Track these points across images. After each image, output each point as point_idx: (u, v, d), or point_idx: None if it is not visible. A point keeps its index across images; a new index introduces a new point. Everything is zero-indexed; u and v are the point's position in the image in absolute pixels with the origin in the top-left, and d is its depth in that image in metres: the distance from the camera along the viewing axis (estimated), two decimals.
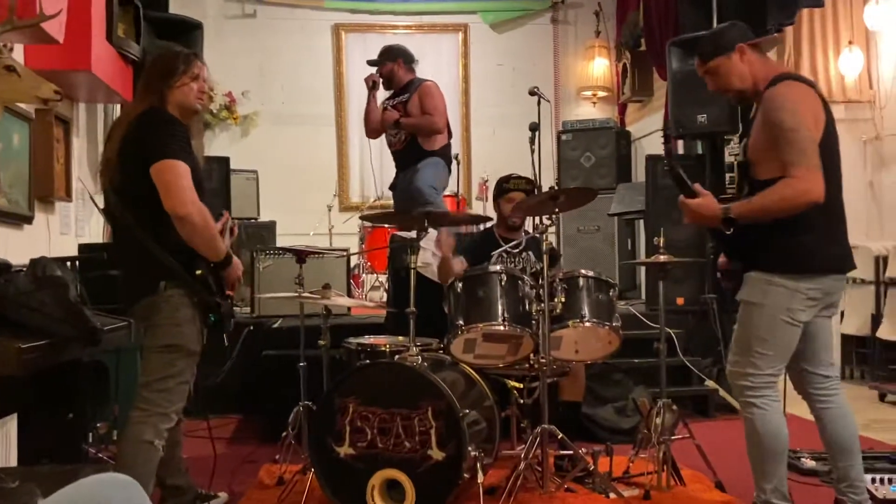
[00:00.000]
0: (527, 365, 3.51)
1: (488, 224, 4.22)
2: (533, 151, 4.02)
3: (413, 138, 5.02)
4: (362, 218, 6.79)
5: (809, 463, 3.68)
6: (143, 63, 4.70)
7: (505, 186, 4.13)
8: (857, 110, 6.91)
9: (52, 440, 3.24)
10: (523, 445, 3.41)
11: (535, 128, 4.09)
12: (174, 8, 6.01)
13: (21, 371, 2.54)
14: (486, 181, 7.81)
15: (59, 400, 3.32)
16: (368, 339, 3.83)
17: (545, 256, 3.38)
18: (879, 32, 6.71)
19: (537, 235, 3.87)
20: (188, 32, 5.30)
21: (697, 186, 2.87)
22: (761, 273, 2.78)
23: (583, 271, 3.61)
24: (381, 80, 5.20)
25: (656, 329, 3.89)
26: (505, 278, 3.44)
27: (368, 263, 7.26)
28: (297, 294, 3.53)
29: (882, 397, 5.70)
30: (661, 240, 3.55)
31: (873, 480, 3.28)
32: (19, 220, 4.21)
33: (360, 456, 3.04)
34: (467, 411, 3.07)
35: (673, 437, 3.45)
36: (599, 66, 8.79)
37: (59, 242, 4.74)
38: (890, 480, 3.31)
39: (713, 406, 5.00)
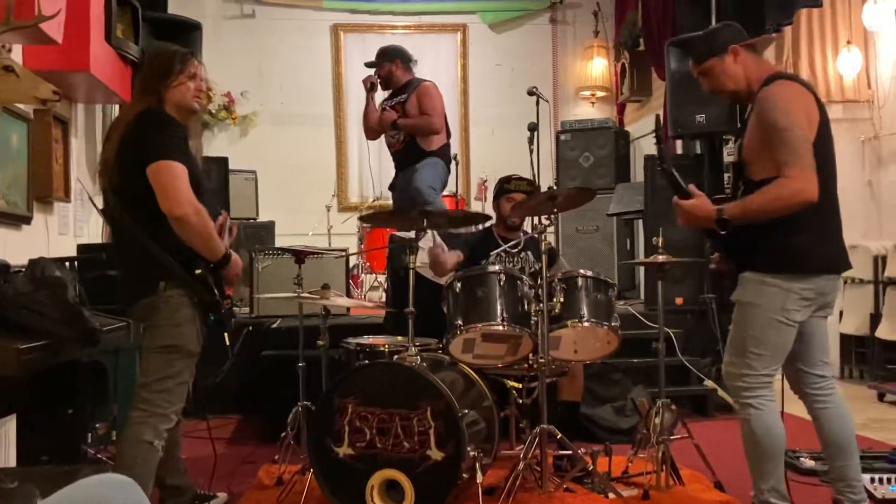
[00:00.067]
0: (526, 365, 3.50)
1: (487, 223, 4.22)
2: (532, 151, 4.03)
3: (412, 139, 5.02)
4: (361, 219, 6.79)
5: (808, 463, 3.68)
6: (141, 63, 4.70)
7: (506, 187, 4.13)
8: (856, 110, 6.92)
9: (50, 441, 3.24)
10: (522, 445, 3.41)
11: (533, 128, 4.09)
12: (173, 8, 6.01)
13: (20, 372, 2.54)
14: (485, 181, 7.82)
15: (57, 400, 3.32)
16: (367, 340, 3.83)
17: (544, 256, 3.38)
18: (878, 32, 6.72)
19: (536, 235, 3.87)
20: (187, 33, 5.30)
21: (692, 187, 2.87)
22: (755, 273, 2.78)
23: (581, 271, 3.61)
24: (379, 81, 5.20)
25: (655, 329, 3.89)
26: (504, 278, 3.44)
27: (367, 263, 7.27)
28: (295, 294, 3.53)
29: (881, 397, 5.70)
30: (660, 240, 3.55)
31: (872, 480, 3.29)
32: (18, 220, 4.21)
33: (359, 456, 3.04)
34: (466, 411, 3.07)
35: (672, 437, 3.45)
36: (598, 66, 8.79)
37: (58, 243, 4.74)
38: (889, 480, 3.32)
39: (712, 406, 5.00)
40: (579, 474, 3.42)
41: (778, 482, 2.80)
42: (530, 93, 4.26)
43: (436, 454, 2.96)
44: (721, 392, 4.90)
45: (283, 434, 3.61)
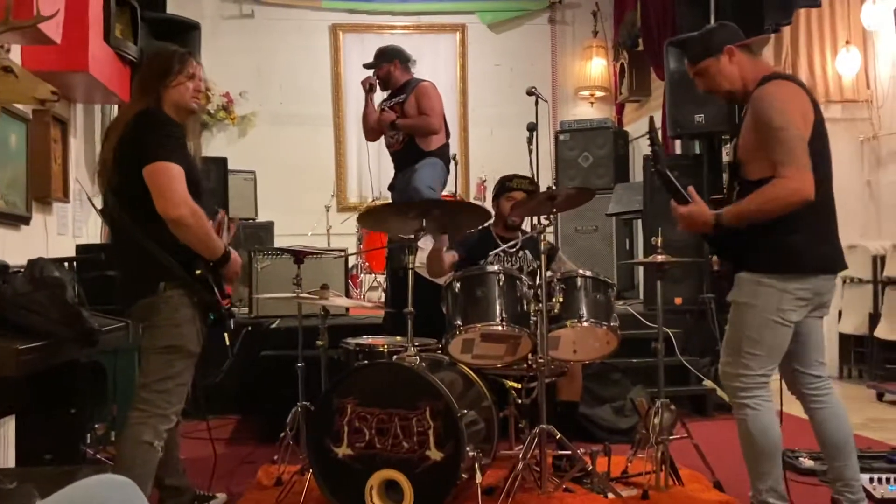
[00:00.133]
0: (525, 365, 3.50)
1: (485, 224, 4.21)
2: (531, 151, 4.03)
3: (411, 139, 5.02)
4: (358, 220, 6.77)
5: (808, 462, 3.68)
6: (140, 63, 4.70)
7: (508, 185, 4.13)
8: (855, 110, 6.92)
9: (49, 441, 3.24)
10: (521, 445, 3.41)
11: (532, 128, 4.09)
12: (171, 8, 6.02)
13: (18, 372, 2.54)
14: (484, 181, 7.82)
15: (56, 401, 3.31)
16: (366, 340, 3.83)
17: (543, 257, 3.38)
18: (877, 32, 6.72)
19: (535, 235, 3.87)
20: (185, 33, 5.30)
21: (691, 190, 2.87)
22: (751, 274, 2.78)
23: (581, 271, 3.61)
24: (377, 82, 5.20)
25: (654, 329, 3.89)
26: (503, 278, 3.44)
27: (366, 264, 7.27)
28: (294, 294, 3.53)
29: (880, 396, 5.71)
30: (659, 240, 3.55)
31: (871, 480, 3.29)
32: (17, 220, 4.21)
33: (359, 456, 3.04)
34: (465, 411, 3.07)
35: (671, 437, 3.45)
36: (597, 66, 8.80)
37: (57, 243, 4.74)
38: (888, 480, 3.32)
39: (711, 406, 5.00)
40: (578, 474, 3.42)
41: (776, 482, 2.80)
42: (529, 93, 4.26)
43: (435, 454, 2.96)
44: (720, 392, 4.90)
45: (283, 434, 3.61)
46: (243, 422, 4.85)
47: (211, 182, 5.71)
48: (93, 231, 5.50)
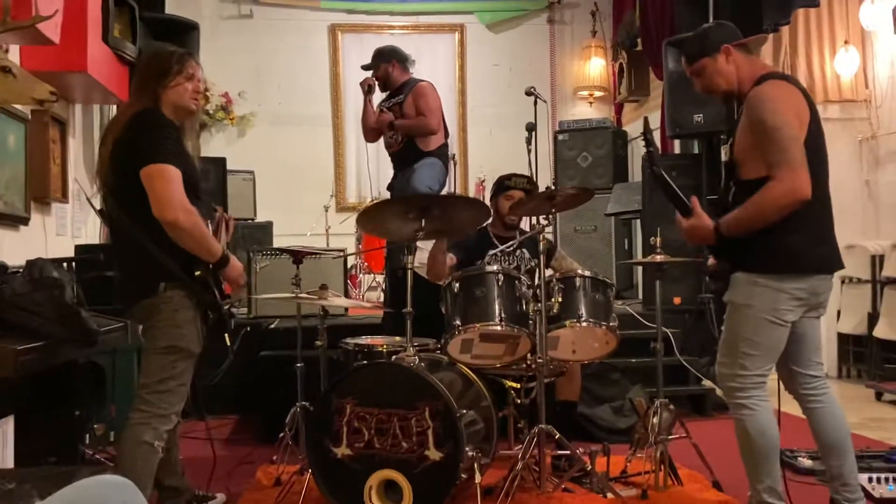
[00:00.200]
0: (524, 365, 3.50)
1: (485, 221, 4.21)
2: (529, 151, 4.02)
3: (410, 139, 5.02)
4: (357, 221, 6.77)
5: (806, 462, 3.68)
6: (139, 63, 4.70)
7: (506, 184, 4.12)
8: (853, 110, 6.92)
9: (49, 442, 3.24)
10: (520, 445, 3.41)
11: (531, 128, 4.09)
12: (170, 8, 6.02)
13: (17, 373, 2.54)
14: (483, 181, 7.82)
15: (55, 401, 3.31)
16: (365, 340, 3.83)
17: (542, 256, 3.38)
18: (875, 32, 6.72)
19: (534, 235, 3.87)
20: (184, 33, 5.31)
21: (694, 201, 2.86)
22: (747, 274, 2.78)
23: (580, 271, 3.61)
24: (376, 83, 5.20)
25: (653, 329, 3.89)
26: (502, 278, 3.44)
27: (365, 264, 7.27)
28: (293, 295, 3.53)
29: (878, 396, 5.71)
30: (658, 239, 3.55)
31: (870, 479, 3.29)
32: (15, 221, 4.21)
33: (358, 456, 3.04)
34: (464, 411, 3.07)
35: (670, 437, 3.45)
36: (596, 66, 8.80)
37: (56, 243, 4.74)
38: (886, 479, 3.32)
39: (710, 405, 5.00)
40: (577, 474, 3.43)
41: (774, 482, 2.80)
42: (528, 93, 4.26)
43: (434, 454, 2.96)
44: (719, 392, 4.89)
45: (282, 434, 3.61)
46: (242, 422, 4.85)
47: (210, 182, 5.71)
48: (92, 231, 5.50)
